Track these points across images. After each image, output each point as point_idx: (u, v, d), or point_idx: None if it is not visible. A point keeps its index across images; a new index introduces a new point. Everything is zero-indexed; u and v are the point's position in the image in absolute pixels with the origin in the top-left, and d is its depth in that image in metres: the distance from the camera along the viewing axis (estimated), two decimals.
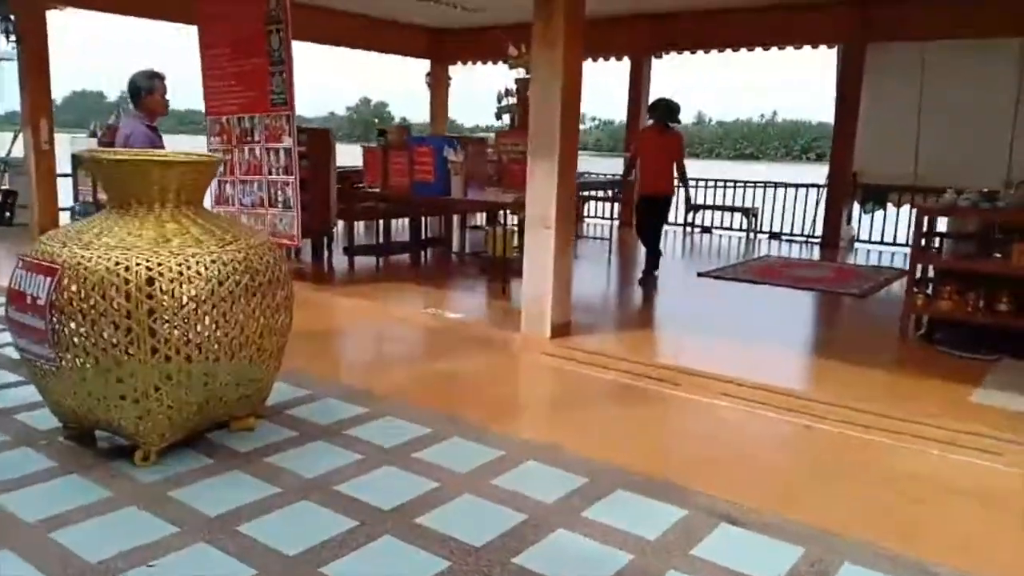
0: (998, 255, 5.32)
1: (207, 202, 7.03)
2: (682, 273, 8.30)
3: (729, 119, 73.16)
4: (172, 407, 3.11)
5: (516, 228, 7.78)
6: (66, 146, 9.65)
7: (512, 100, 6.96)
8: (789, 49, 10.73)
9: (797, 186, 11.59)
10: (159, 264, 2.97)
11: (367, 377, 4.53)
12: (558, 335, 5.12)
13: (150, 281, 2.93)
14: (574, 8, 4.82)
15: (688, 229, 12.08)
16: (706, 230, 12.13)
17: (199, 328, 3.05)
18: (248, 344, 3.27)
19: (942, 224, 5.73)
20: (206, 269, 3.06)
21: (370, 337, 5.77)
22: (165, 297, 2.95)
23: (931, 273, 5.63)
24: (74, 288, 2.93)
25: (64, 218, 9.68)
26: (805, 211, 11.40)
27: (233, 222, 3.53)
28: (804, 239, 11.18)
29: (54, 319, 2.95)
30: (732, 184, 12.45)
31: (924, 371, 4.63)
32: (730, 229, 12.02)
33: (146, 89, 4.91)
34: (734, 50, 11.03)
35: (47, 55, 9.30)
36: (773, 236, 11.55)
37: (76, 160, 9.36)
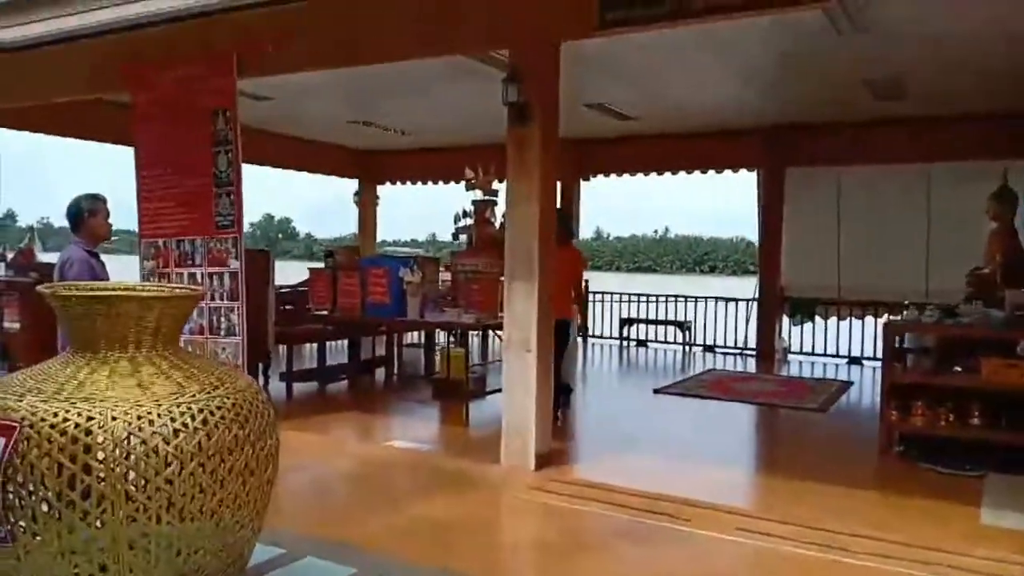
0: (958, 368, 5.44)
1: None
2: (637, 390, 8.18)
3: (626, 234, 76.61)
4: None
5: (465, 350, 7.54)
6: None
7: (469, 221, 6.85)
8: (681, 173, 11.25)
9: (726, 300, 11.89)
10: (139, 418, 2.53)
11: (341, 528, 4.04)
12: (541, 466, 4.81)
13: (127, 438, 2.49)
14: (550, 133, 4.80)
15: (624, 343, 12.11)
16: (641, 343, 12.19)
17: (183, 491, 2.60)
18: (236, 504, 2.81)
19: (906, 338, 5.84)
20: (192, 420, 2.64)
21: (331, 477, 5.25)
22: (145, 456, 2.50)
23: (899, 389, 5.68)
24: (35, 451, 2.45)
25: None
26: (736, 324, 11.66)
27: (211, 362, 3.12)
28: (738, 351, 11.36)
29: (8, 489, 2.45)
30: (659, 298, 12.66)
31: (920, 492, 4.54)
32: (664, 342, 12.12)
33: (89, 211, 4.51)
34: (658, 173, 11.45)
35: None
36: (707, 348, 11.69)
37: None
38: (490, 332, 7.22)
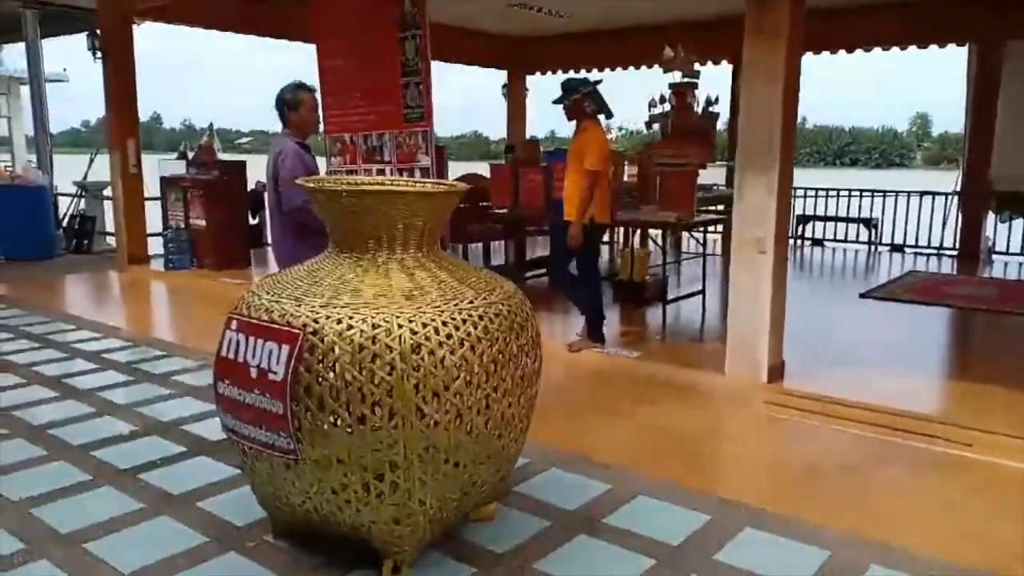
0: None
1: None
2: (838, 294, 7.52)
3: None
4: (435, 505, 2.43)
5: (649, 251, 7.09)
6: (154, 169, 9.16)
7: (665, 108, 6.26)
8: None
9: (920, 194, 10.71)
10: (424, 326, 2.29)
11: (580, 438, 3.80)
12: (773, 379, 4.39)
13: (416, 348, 2.26)
14: None
15: (798, 243, 11.25)
16: (817, 243, 11.30)
17: (469, 404, 2.37)
18: (513, 417, 2.58)
19: None
20: (475, 328, 2.38)
21: (547, 385, 5.06)
22: (433, 367, 2.27)
23: None
24: (322, 360, 2.27)
25: (154, 245, 9.19)
26: (932, 222, 10.52)
27: (473, 266, 2.85)
28: (934, 251, 10.30)
29: (296, 401, 2.29)
30: (839, 193, 11.58)
31: None
32: (844, 241, 11.18)
33: (290, 103, 4.27)
34: (868, 50, 10.03)
35: (133, 72, 8.81)
36: (895, 248, 10.69)
37: (165, 183, 8.86)
38: (665, 232, 6.70)
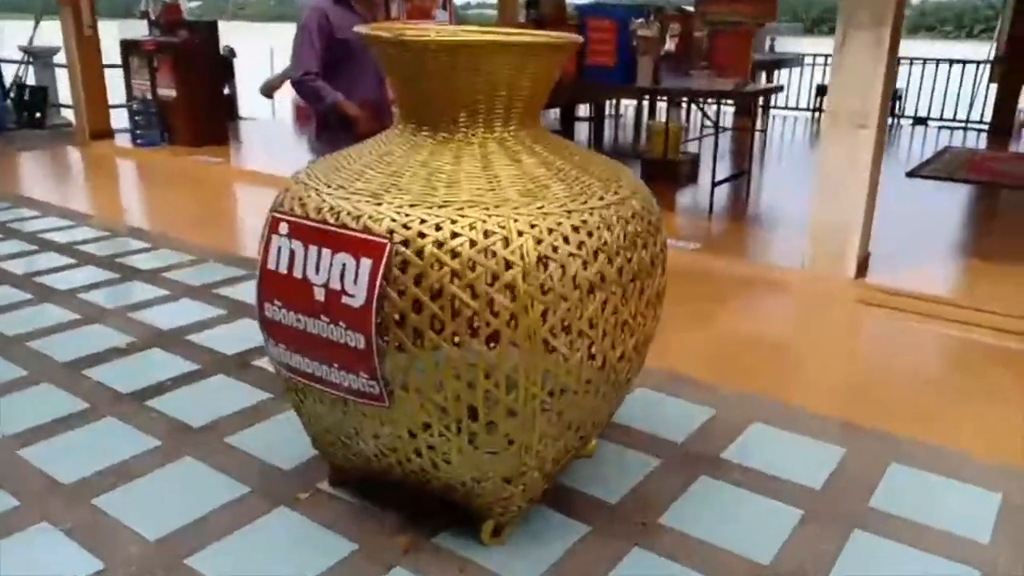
0: None
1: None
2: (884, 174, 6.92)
3: None
4: (553, 457, 1.91)
5: (683, 125, 6.42)
6: (113, 32, 8.06)
7: None
8: None
9: (949, 62, 9.97)
10: (550, 232, 1.68)
11: (658, 350, 3.26)
12: (860, 274, 3.88)
13: (543, 262, 1.66)
14: None
15: (816, 115, 10.56)
16: (920, 121, 10.56)
17: (605, 332, 1.80)
18: (643, 344, 2.03)
19: None
20: (610, 233, 1.78)
21: None
22: (564, 288, 1.68)
23: None
24: (418, 281, 1.65)
25: (116, 119, 8.21)
26: (960, 93, 9.85)
27: (585, 151, 2.18)
28: (961, 125, 9.70)
29: (383, 334, 1.69)
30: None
31: None
32: None
33: None
34: None
35: None
36: (918, 121, 10.06)
37: (126, 48, 7.80)
38: (697, 103, 5.98)
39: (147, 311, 3.59)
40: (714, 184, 5.15)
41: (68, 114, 9.17)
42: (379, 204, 1.72)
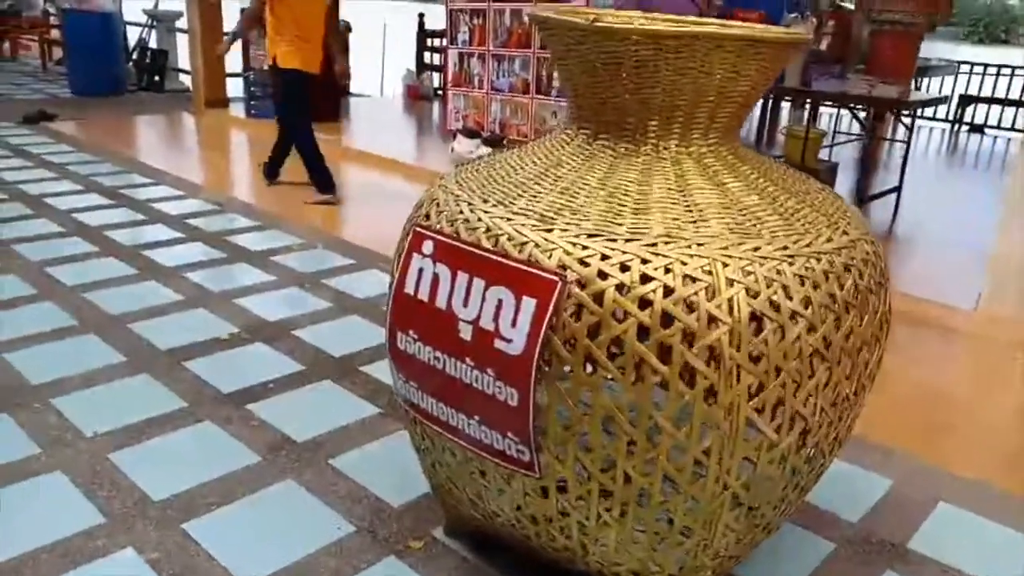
0: None
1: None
2: None
3: None
4: (732, 550, 1.55)
5: (824, 131, 5.85)
6: (235, 2, 8.03)
7: None
8: None
9: None
10: (767, 282, 1.31)
11: None
12: None
13: (756, 322, 1.29)
14: None
15: (956, 128, 9.68)
16: (977, 129, 9.71)
17: (822, 409, 1.42)
18: (852, 424, 1.64)
19: None
20: (840, 288, 1.39)
21: None
22: (782, 356, 1.31)
23: None
24: (594, 332, 1.32)
25: (233, 88, 8.22)
26: None
27: (796, 172, 1.78)
28: None
29: (544, 390, 1.36)
30: (997, 71, 9.81)
31: None
32: (1012, 129, 9.56)
33: None
34: None
35: None
36: None
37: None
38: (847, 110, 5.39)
39: (253, 298, 3.39)
40: (864, 199, 4.61)
41: (186, 80, 9.29)
42: (548, 230, 1.39)
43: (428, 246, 1.54)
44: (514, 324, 1.36)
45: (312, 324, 3.15)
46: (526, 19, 4.89)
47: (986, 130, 9.69)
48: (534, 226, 1.41)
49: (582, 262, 1.33)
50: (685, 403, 1.29)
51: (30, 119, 7.09)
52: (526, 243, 1.39)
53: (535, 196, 1.49)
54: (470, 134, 5.05)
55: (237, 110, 7.85)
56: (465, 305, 1.44)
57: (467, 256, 1.46)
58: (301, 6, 4.69)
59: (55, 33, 10.85)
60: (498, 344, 1.38)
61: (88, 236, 4.09)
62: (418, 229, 1.58)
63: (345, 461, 2.25)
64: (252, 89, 7.51)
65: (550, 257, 1.35)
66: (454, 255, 1.48)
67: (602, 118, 1.56)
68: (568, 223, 1.39)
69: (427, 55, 9.93)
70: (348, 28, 9.10)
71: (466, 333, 1.44)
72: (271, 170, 5.37)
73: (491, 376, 1.40)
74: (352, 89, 9.54)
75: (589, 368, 1.33)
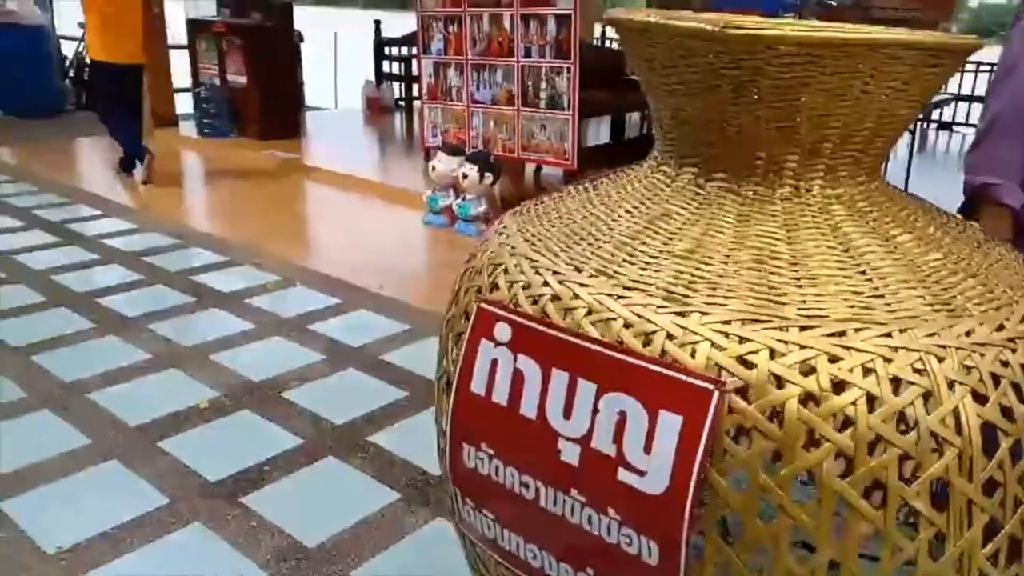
0: None
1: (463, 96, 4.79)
2: None
3: None
4: None
5: None
6: (179, 11, 7.53)
7: None
8: None
9: None
10: (993, 379, 0.97)
11: None
12: None
13: (986, 438, 0.95)
14: None
15: (923, 127, 9.62)
16: (945, 127, 9.69)
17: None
18: None
19: None
20: None
21: None
22: (1016, 483, 0.97)
23: None
24: (773, 461, 0.96)
25: (182, 104, 7.69)
26: None
27: (951, 214, 1.44)
28: None
29: (696, 545, 1.00)
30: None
31: None
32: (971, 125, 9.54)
33: None
34: None
35: None
36: None
37: (193, 28, 7.25)
38: None
39: (231, 353, 2.97)
40: None
41: None
42: (683, 313, 1.03)
43: (503, 331, 1.17)
44: (648, 449, 1.00)
45: (304, 382, 2.75)
46: (505, 24, 4.54)
47: (954, 128, 9.67)
48: (660, 307, 1.05)
49: (743, 361, 0.97)
50: (904, 556, 0.95)
51: None
52: (654, 332, 1.02)
53: (649, 262, 1.13)
54: (452, 151, 4.67)
55: (188, 129, 7.33)
56: (567, 417, 1.08)
57: (565, 348, 1.09)
58: None
59: None
60: (624, 476, 1.02)
61: (33, 283, 3.61)
62: (486, 307, 1.20)
63: (372, 573, 1.86)
64: (204, 106, 7.00)
65: (693, 353, 0.99)
66: (544, 346, 1.11)
67: (717, 151, 1.21)
68: (709, 302, 1.04)
69: (386, 64, 9.51)
70: (300, 38, 8.64)
71: (571, 456, 1.07)
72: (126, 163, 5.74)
73: (615, 519, 1.04)
74: (307, 102, 9.09)
75: (767, 513, 0.98)
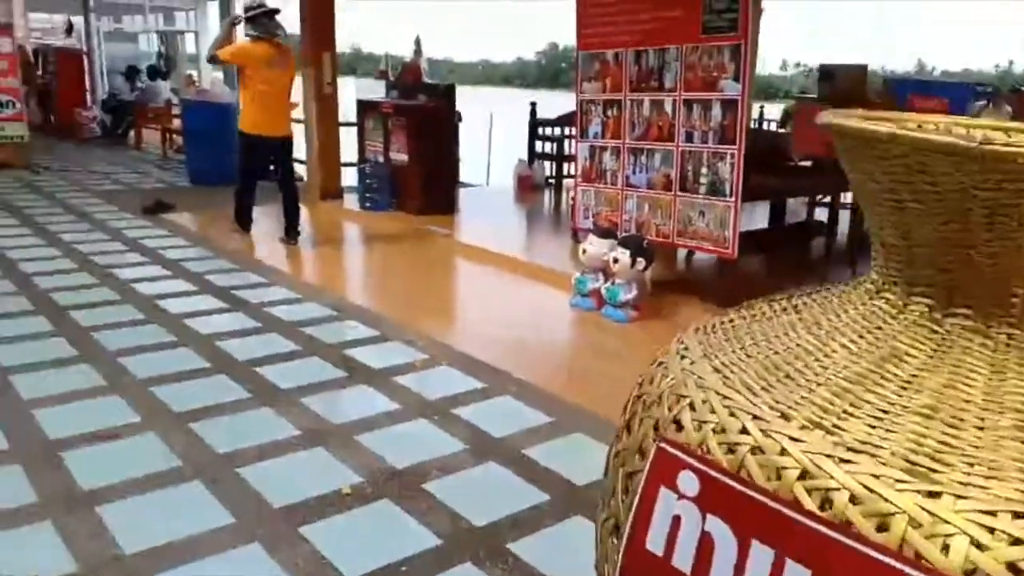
0: None
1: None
2: None
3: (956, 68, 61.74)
4: None
5: None
6: (351, 91, 8.03)
7: None
8: None
9: None
10: None
11: None
12: None
13: None
14: None
15: None
16: None
17: None
18: None
19: None
20: None
21: None
22: None
23: None
24: None
25: (348, 177, 8.13)
26: None
27: None
28: None
29: None
30: None
31: None
32: None
33: None
34: None
35: None
36: None
37: (363, 108, 7.70)
38: None
39: (377, 435, 2.93)
40: None
41: (300, 169, 9.32)
42: (931, 494, 0.83)
43: (689, 482, 1.00)
44: None
45: (446, 474, 2.65)
46: (667, 108, 4.44)
47: None
48: (900, 481, 0.85)
49: (1015, 569, 0.75)
50: None
51: (149, 210, 7.13)
52: (892, 515, 0.83)
53: (878, 417, 0.94)
54: (604, 234, 4.57)
55: (351, 201, 7.71)
56: None
57: (770, 517, 0.91)
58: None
59: (176, 122, 11.25)
60: None
61: (199, 347, 3.78)
62: (668, 450, 1.04)
63: None
64: (367, 181, 7.35)
65: (946, 550, 0.79)
66: (743, 509, 0.94)
67: (959, 282, 1.01)
68: (965, 482, 0.83)
69: (539, 144, 9.69)
70: (459, 118, 8.98)
71: None
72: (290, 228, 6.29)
73: None
74: (461, 178, 9.37)
75: None
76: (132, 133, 12.40)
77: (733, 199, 4.19)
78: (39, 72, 13.22)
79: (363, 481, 2.59)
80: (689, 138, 4.35)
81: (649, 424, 1.13)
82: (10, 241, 5.81)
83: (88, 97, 13.79)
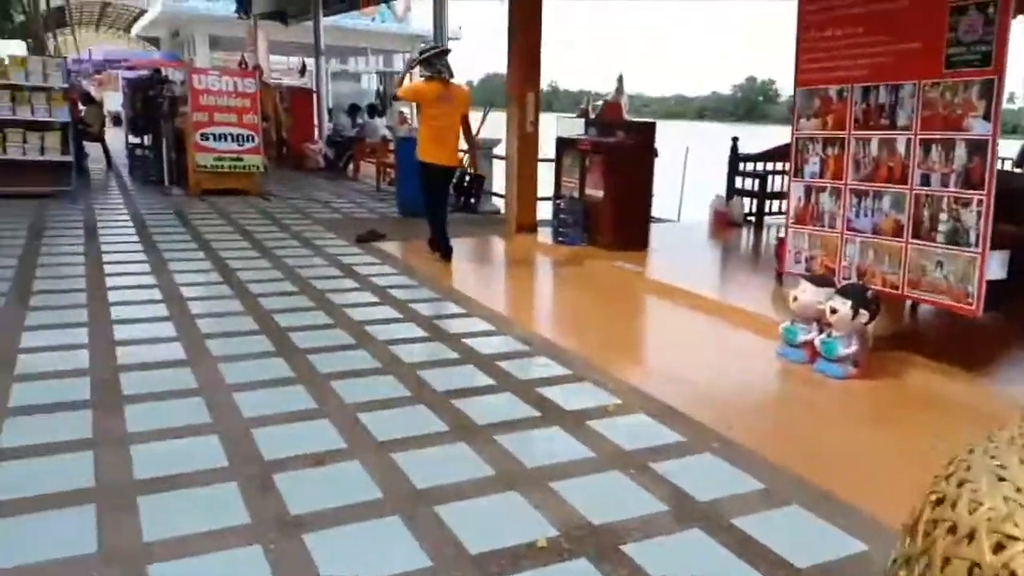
0: None
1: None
2: None
3: None
4: None
5: None
6: (551, 128, 8.12)
7: None
8: None
9: None
10: None
11: None
12: None
13: None
14: None
15: None
16: None
17: None
18: None
19: None
20: None
21: None
22: None
23: None
24: None
25: (543, 211, 8.22)
26: None
27: None
28: None
29: None
30: None
31: None
32: None
33: None
34: None
35: (539, 15, 7.75)
36: None
37: (562, 145, 7.75)
38: None
39: (570, 484, 2.83)
40: None
41: (499, 202, 9.56)
42: None
43: None
44: None
45: (646, 537, 2.49)
46: (899, 148, 4.04)
47: None
48: None
49: None
50: None
51: (362, 239, 7.58)
52: None
53: None
54: (820, 282, 4.21)
55: (544, 235, 7.77)
56: None
57: None
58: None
59: (391, 157, 11.99)
60: None
61: (402, 376, 3.89)
62: None
63: None
64: (562, 216, 7.37)
65: None
66: None
67: None
68: None
69: (738, 180, 9.29)
70: (656, 153, 8.80)
71: None
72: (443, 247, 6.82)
73: None
74: (652, 213, 9.17)
75: None
76: (351, 166, 13.44)
77: (980, 249, 3.71)
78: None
79: (558, 535, 2.48)
80: (926, 181, 3.91)
81: (946, 534, 0.94)
82: (241, 263, 6.39)
83: (316, 132, 15.14)
